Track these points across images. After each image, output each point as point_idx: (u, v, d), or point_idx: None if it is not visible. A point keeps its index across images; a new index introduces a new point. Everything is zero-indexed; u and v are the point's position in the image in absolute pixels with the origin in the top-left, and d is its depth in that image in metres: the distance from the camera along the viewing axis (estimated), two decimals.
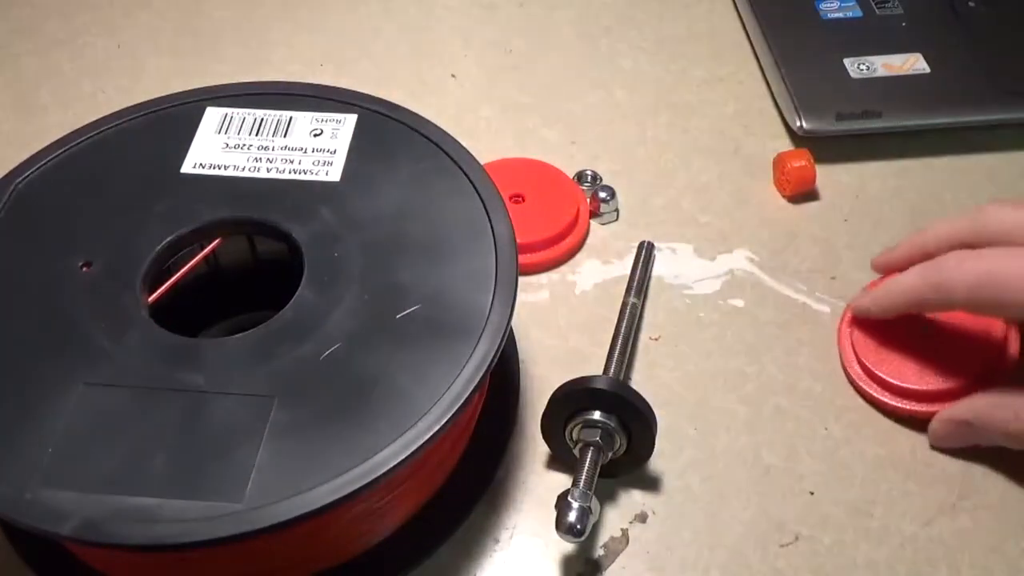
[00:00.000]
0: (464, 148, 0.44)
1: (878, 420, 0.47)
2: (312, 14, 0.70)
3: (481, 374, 0.35)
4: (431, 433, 0.34)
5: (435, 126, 0.45)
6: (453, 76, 0.66)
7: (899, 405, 0.46)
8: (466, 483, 0.43)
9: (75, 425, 0.34)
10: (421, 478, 0.39)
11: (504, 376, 0.47)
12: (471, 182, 0.42)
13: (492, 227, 0.40)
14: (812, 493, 0.44)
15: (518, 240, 0.52)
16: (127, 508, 0.32)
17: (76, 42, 0.68)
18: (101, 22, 0.70)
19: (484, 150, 0.59)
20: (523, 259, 0.52)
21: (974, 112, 0.60)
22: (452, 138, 0.44)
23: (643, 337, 0.50)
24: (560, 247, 0.54)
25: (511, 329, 0.46)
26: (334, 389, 0.35)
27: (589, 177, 0.58)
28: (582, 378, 0.42)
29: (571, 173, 0.58)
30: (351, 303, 0.38)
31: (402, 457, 0.33)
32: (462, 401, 0.35)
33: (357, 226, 0.40)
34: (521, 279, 0.52)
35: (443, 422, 0.34)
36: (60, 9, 0.70)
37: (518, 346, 0.49)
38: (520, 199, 0.55)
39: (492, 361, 0.36)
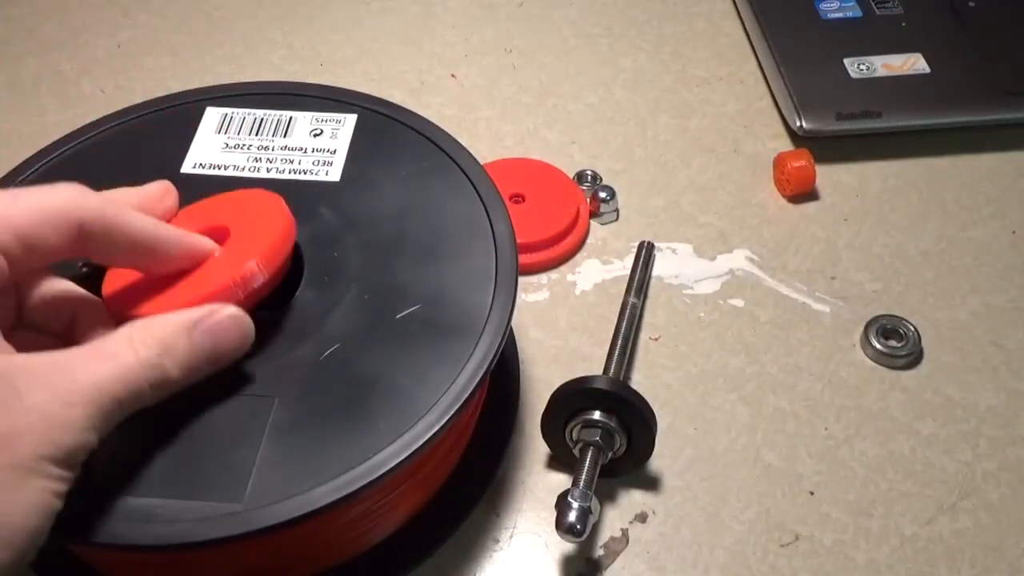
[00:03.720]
0: (464, 148, 0.44)
1: (878, 420, 0.47)
2: (312, 14, 0.70)
3: (481, 374, 0.35)
4: (431, 434, 0.34)
5: (435, 126, 0.45)
6: (453, 76, 0.66)
7: None
8: (466, 483, 0.43)
9: None
10: (421, 478, 0.39)
11: (504, 376, 0.47)
12: (471, 182, 0.42)
13: (492, 227, 0.40)
14: (812, 493, 0.44)
15: (518, 240, 0.52)
16: (127, 508, 0.32)
17: (76, 42, 0.68)
18: (101, 22, 0.70)
19: (484, 150, 0.60)
20: (523, 259, 0.52)
21: (974, 112, 0.60)
22: (452, 138, 0.44)
23: (643, 337, 0.50)
24: (560, 247, 0.54)
25: (511, 329, 0.46)
26: (334, 389, 0.35)
27: (589, 177, 0.58)
28: (582, 378, 0.42)
29: (571, 173, 0.58)
30: (351, 303, 0.38)
31: (402, 458, 0.33)
32: (462, 401, 0.34)
33: (357, 226, 0.40)
34: (521, 279, 0.52)
35: (443, 422, 0.34)
36: (60, 9, 0.71)
37: (518, 346, 0.49)
38: (520, 199, 0.55)
39: (492, 361, 0.36)
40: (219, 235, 0.37)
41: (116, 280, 0.36)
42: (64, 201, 0.31)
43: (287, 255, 0.36)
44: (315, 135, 0.44)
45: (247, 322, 0.34)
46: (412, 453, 0.33)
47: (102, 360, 0.30)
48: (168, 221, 0.37)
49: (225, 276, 0.34)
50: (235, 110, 0.45)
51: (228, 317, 0.33)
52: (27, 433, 0.27)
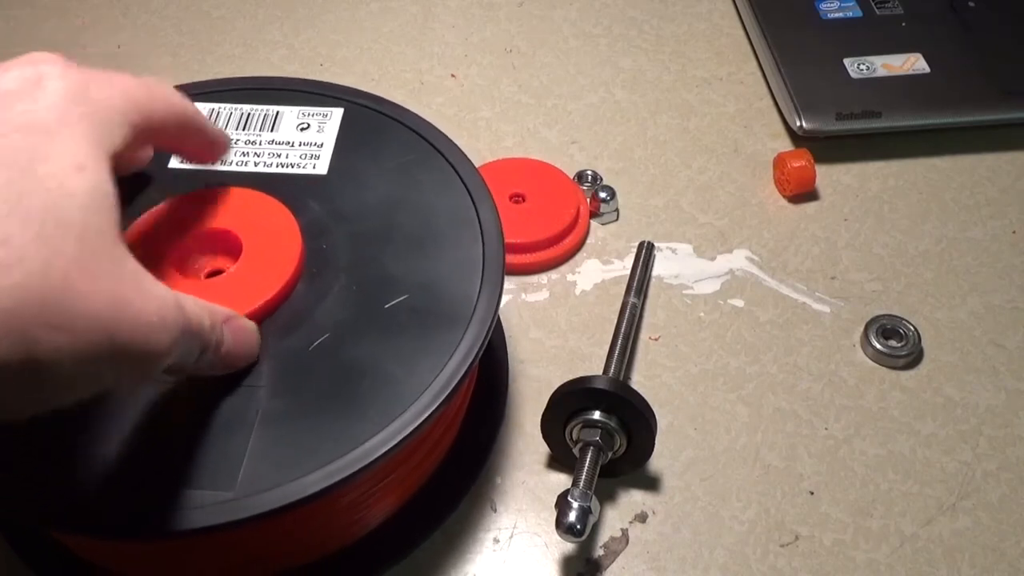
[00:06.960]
0: (449, 139, 0.44)
1: (878, 420, 0.47)
2: (312, 14, 0.70)
3: (469, 362, 0.35)
4: (420, 421, 0.34)
5: (421, 119, 0.45)
6: (453, 76, 0.65)
7: None
8: (457, 471, 0.43)
9: (64, 416, 0.34)
10: (411, 466, 0.39)
11: (492, 366, 0.47)
12: (457, 173, 0.42)
13: (479, 217, 0.40)
14: (812, 493, 0.44)
15: (518, 240, 0.52)
16: (118, 497, 0.31)
17: (76, 42, 0.68)
18: (101, 22, 0.70)
19: (484, 150, 0.60)
20: (523, 259, 0.52)
21: (974, 112, 0.60)
22: (438, 130, 0.44)
23: (643, 337, 0.50)
24: (560, 247, 0.53)
25: (499, 319, 0.45)
26: (323, 379, 0.35)
27: (589, 177, 0.58)
28: (582, 378, 0.41)
29: (571, 173, 0.58)
30: (339, 294, 0.38)
31: (391, 445, 0.33)
32: (450, 389, 0.35)
33: (345, 218, 0.40)
34: (521, 279, 0.53)
35: (431, 410, 0.34)
36: (60, 9, 0.71)
37: (517, 346, 0.49)
38: (520, 199, 0.55)
39: (480, 349, 0.36)
40: (230, 242, 0.38)
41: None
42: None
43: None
44: (302, 129, 0.44)
45: (258, 338, 0.35)
46: (401, 440, 0.33)
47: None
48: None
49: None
50: (223, 105, 0.45)
51: (249, 325, 0.34)
52: (150, 325, 0.26)
